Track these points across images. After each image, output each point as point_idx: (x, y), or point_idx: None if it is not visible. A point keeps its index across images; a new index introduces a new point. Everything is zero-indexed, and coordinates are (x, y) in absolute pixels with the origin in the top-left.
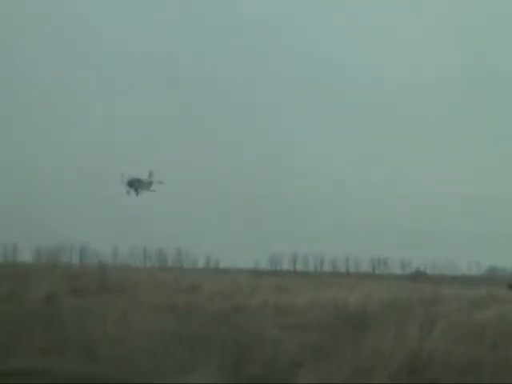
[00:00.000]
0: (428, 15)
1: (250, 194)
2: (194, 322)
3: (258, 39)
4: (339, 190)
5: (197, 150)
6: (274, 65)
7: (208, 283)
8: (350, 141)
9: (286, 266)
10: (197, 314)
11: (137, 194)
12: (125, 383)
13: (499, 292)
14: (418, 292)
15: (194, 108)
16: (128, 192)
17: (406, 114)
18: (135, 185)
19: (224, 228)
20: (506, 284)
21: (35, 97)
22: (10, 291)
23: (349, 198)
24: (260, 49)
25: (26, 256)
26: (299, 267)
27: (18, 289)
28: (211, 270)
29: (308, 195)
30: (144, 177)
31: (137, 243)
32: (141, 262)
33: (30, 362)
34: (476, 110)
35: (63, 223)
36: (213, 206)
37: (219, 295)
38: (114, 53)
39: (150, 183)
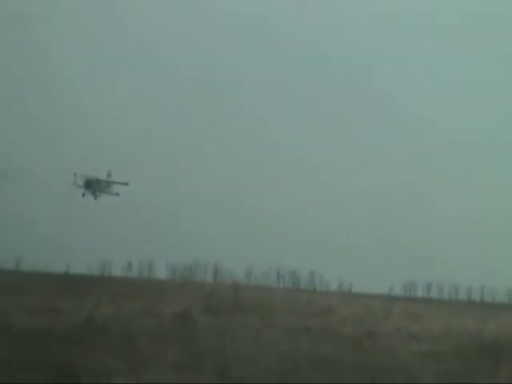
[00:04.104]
0: None
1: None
2: (326, 346)
3: None
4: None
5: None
6: None
7: (341, 307)
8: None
9: (420, 293)
10: (329, 337)
11: (95, 198)
12: None
13: None
14: None
15: None
16: (84, 195)
17: None
18: (93, 186)
19: (359, 251)
20: None
21: None
22: (146, 307)
23: (488, 224)
24: None
25: (161, 273)
26: (433, 295)
27: (153, 305)
28: (344, 294)
29: (448, 220)
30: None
31: (271, 264)
32: (274, 282)
33: (163, 377)
34: None
35: (198, 240)
36: (351, 227)
37: (352, 320)
38: None
39: (110, 184)
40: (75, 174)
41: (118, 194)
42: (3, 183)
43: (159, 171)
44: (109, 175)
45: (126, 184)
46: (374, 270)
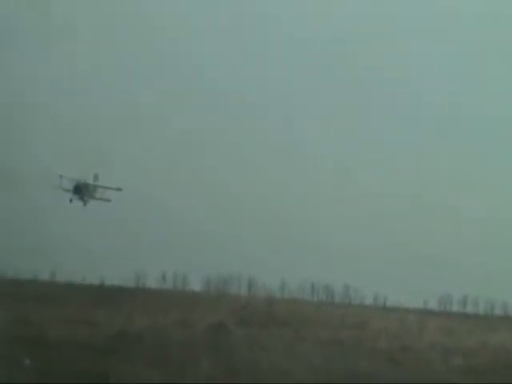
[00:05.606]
0: None
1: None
2: (360, 359)
3: None
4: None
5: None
6: None
7: (375, 321)
8: None
9: (455, 307)
10: (363, 351)
11: (84, 204)
12: None
13: None
14: None
15: None
16: (71, 200)
17: None
18: (82, 191)
19: (394, 265)
20: None
21: None
22: (181, 319)
23: None
24: None
25: (195, 285)
26: (469, 309)
27: (187, 316)
28: (378, 307)
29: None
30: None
31: (305, 277)
32: (308, 296)
33: None
34: None
35: (233, 253)
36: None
37: (386, 334)
38: None
39: (97, 188)
40: (61, 177)
41: (109, 200)
42: (36, 193)
43: (196, 184)
44: (95, 178)
45: (118, 189)
46: (409, 284)
